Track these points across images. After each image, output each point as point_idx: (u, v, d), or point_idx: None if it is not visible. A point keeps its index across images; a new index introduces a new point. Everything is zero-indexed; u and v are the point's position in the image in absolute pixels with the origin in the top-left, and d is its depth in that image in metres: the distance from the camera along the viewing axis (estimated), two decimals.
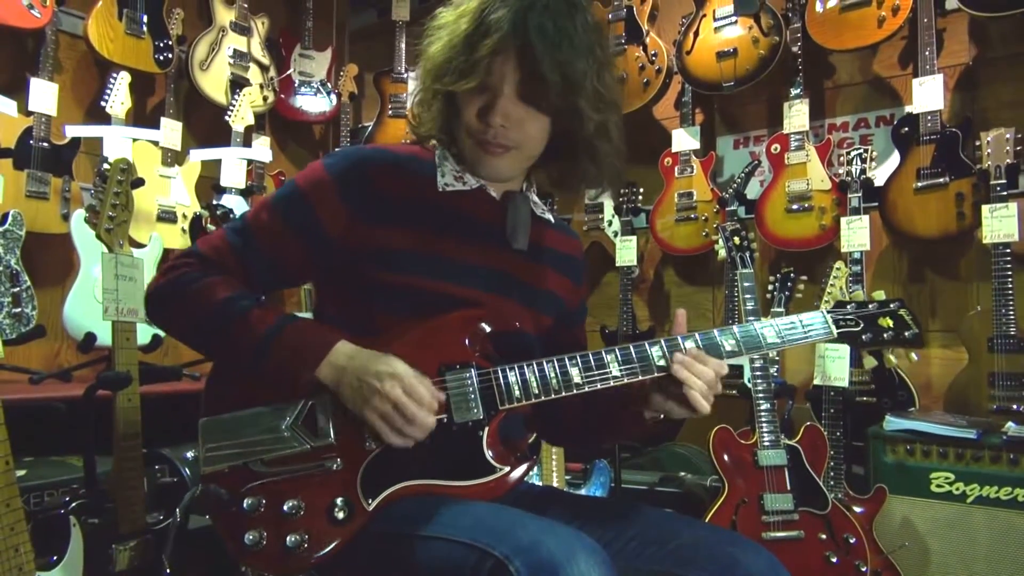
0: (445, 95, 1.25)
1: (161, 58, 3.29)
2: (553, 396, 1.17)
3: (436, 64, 1.23)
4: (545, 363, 1.18)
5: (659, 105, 3.54)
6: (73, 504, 1.54)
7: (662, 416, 1.26)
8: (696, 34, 3.28)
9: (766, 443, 2.23)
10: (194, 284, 1.17)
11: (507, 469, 1.14)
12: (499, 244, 1.29)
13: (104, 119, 3.10)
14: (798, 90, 3.08)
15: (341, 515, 1.09)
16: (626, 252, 3.42)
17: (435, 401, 1.10)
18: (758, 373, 2.29)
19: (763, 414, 2.25)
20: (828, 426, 2.39)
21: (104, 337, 1.82)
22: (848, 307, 1.29)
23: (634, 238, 3.43)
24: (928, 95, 2.78)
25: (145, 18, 3.24)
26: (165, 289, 1.20)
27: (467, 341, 1.19)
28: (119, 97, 3.04)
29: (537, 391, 1.16)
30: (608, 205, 3.55)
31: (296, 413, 1.13)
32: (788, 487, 2.19)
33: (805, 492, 2.22)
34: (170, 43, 3.32)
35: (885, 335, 1.26)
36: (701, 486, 2.49)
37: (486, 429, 1.15)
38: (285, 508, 1.08)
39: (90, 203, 1.60)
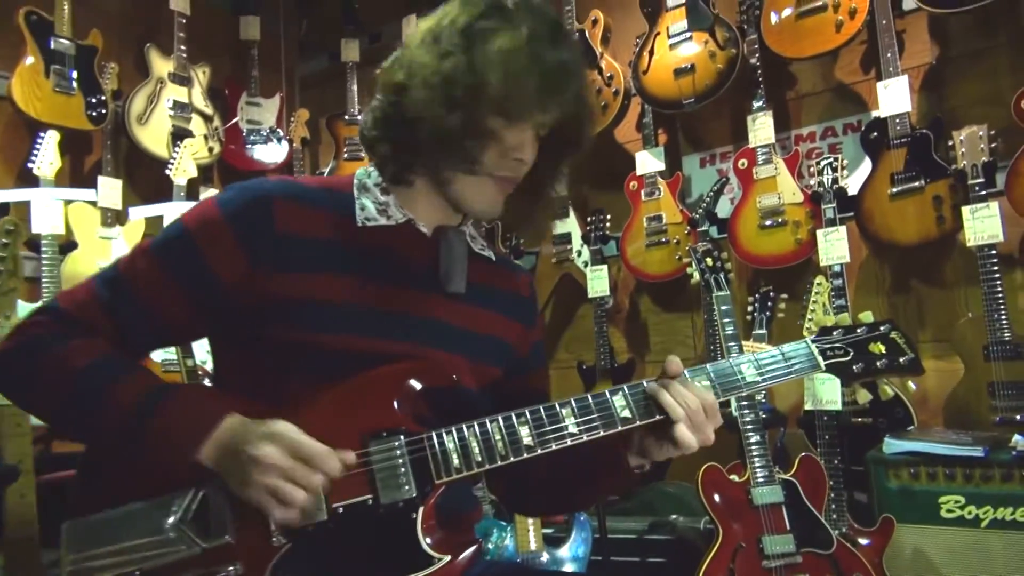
0: (463, 121, 1.00)
1: (94, 114, 3.12)
2: (500, 463, 0.99)
3: (487, 89, 0.99)
4: (489, 423, 1.00)
5: (620, 128, 3.42)
6: None
7: (646, 465, 1.10)
8: (651, 53, 3.17)
9: (760, 479, 2.05)
10: (47, 350, 0.97)
11: (447, 559, 0.95)
12: (431, 288, 1.12)
13: (36, 182, 2.91)
14: (760, 102, 2.97)
15: None
16: (598, 282, 3.26)
17: (331, 453, 0.91)
18: (745, 403, 2.12)
19: (754, 447, 2.07)
20: (824, 454, 2.22)
21: None
22: (834, 333, 1.13)
23: (605, 267, 3.27)
24: (894, 98, 2.67)
25: (75, 74, 3.08)
26: (11, 356, 0.99)
27: (395, 403, 1.00)
28: (47, 157, 2.87)
29: (480, 458, 0.99)
30: (576, 235, 3.40)
31: (184, 507, 0.93)
32: (788, 527, 2.01)
33: (806, 530, 2.03)
34: (103, 99, 3.16)
35: (878, 363, 1.09)
36: (694, 530, 2.29)
37: (420, 509, 0.96)
38: None
39: None
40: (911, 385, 1.16)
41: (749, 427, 2.10)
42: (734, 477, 2.11)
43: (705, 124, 3.35)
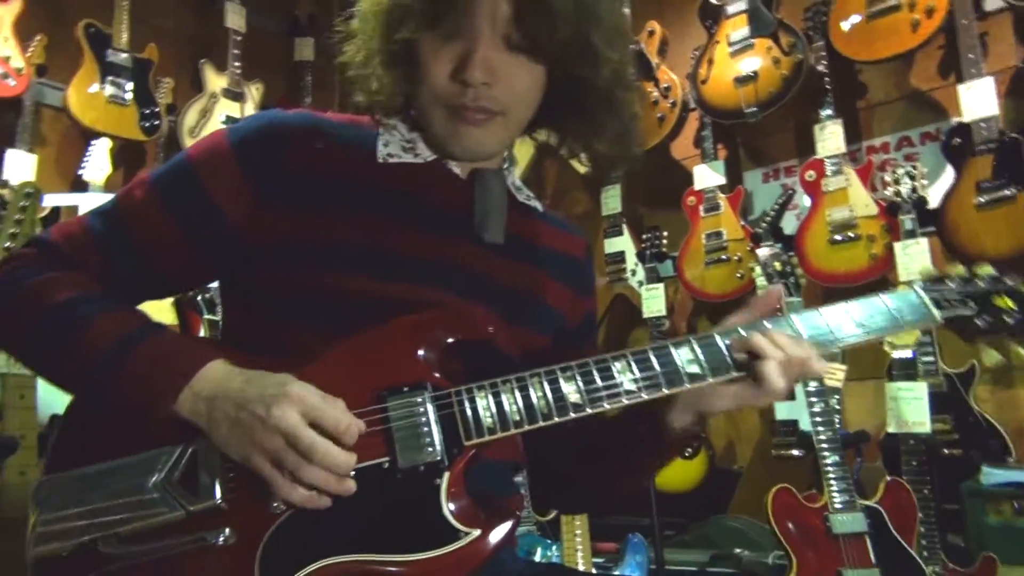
0: (400, 50, 0.91)
1: (147, 125, 3.14)
2: (542, 423, 0.82)
3: (384, 6, 0.91)
4: (529, 377, 0.84)
5: (676, 143, 3.28)
6: None
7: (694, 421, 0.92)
8: (711, 62, 3.04)
9: (838, 505, 1.81)
10: (27, 281, 0.86)
11: (477, 533, 0.78)
12: (463, 234, 0.97)
13: (87, 189, 2.92)
14: (829, 110, 2.79)
15: None
16: (653, 302, 3.08)
17: (353, 426, 0.76)
18: (819, 419, 1.89)
19: (831, 469, 1.84)
20: (912, 482, 1.97)
21: None
22: (948, 283, 0.93)
23: (661, 286, 3.09)
24: (979, 100, 2.47)
25: (130, 86, 3.11)
26: None
27: (420, 353, 0.85)
28: (97, 164, 2.88)
29: (518, 417, 0.82)
30: (630, 253, 3.24)
31: (170, 464, 0.79)
32: (872, 559, 1.76)
33: (895, 565, 1.78)
34: (157, 110, 3.18)
35: (1010, 319, 0.89)
36: (762, 564, 2.06)
37: (446, 475, 0.80)
38: None
39: None
40: None
41: (825, 446, 1.87)
42: (810, 504, 1.87)
43: (768, 137, 3.18)
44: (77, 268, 0.88)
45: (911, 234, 2.46)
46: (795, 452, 2.32)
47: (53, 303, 0.83)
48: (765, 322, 0.87)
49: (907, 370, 2.22)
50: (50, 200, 2.84)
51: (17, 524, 1.28)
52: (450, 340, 0.87)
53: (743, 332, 0.86)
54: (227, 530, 0.77)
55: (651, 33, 3.23)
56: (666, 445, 0.93)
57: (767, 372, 0.82)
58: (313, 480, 0.75)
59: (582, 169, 3.43)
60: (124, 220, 0.91)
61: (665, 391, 0.84)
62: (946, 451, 2.30)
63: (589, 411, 0.83)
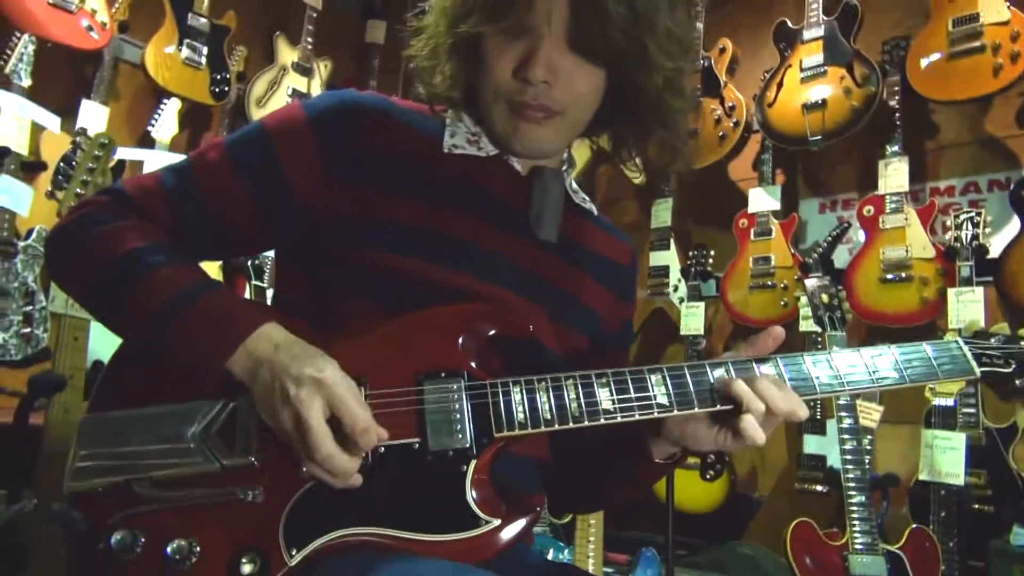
0: (466, 44, 0.94)
1: (217, 90, 3.21)
2: (572, 425, 0.83)
3: (453, 1, 0.93)
4: (564, 379, 0.85)
5: (735, 164, 3.24)
6: None
7: (678, 454, 0.95)
8: (780, 85, 2.99)
9: (860, 546, 1.78)
10: (98, 227, 0.89)
11: (497, 522, 0.79)
12: (518, 231, 0.99)
13: (153, 146, 3.01)
14: (896, 147, 2.73)
15: (249, 569, 0.76)
16: (693, 319, 3.06)
17: (371, 432, 0.77)
18: (850, 457, 1.86)
19: (855, 509, 1.81)
20: (939, 533, 1.92)
21: None
22: (992, 340, 0.92)
23: (702, 304, 3.07)
24: None
25: (206, 50, 3.19)
26: (66, 232, 0.92)
27: (460, 341, 0.87)
28: (166, 123, 2.96)
29: (549, 416, 0.83)
30: (675, 268, 3.22)
31: (210, 418, 0.82)
32: None
33: None
34: (228, 77, 3.26)
35: None
36: None
37: (472, 463, 0.81)
38: (168, 551, 0.76)
39: (58, 177, 1.39)
40: None
41: (853, 485, 1.84)
42: (830, 542, 1.84)
43: (829, 168, 3.13)
44: (147, 219, 0.92)
45: (967, 281, 2.40)
46: (819, 488, 2.29)
47: (121, 250, 0.86)
48: (804, 356, 0.87)
49: (947, 419, 2.17)
50: (119, 153, 2.94)
51: (59, 458, 1.33)
52: (491, 333, 0.89)
53: (732, 372, 0.86)
54: (259, 488, 0.79)
55: (722, 50, 3.20)
56: (644, 469, 0.97)
57: (744, 426, 0.82)
58: (314, 473, 0.78)
59: (636, 179, 3.44)
60: (196, 178, 0.95)
61: (696, 409, 0.84)
62: (977, 506, 2.24)
63: (619, 419, 0.83)
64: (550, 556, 1.87)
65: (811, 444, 2.63)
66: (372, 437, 0.77)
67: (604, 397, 0.84)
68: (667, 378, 0.85)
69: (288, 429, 0.77)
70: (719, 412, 0.86)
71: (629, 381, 0.85)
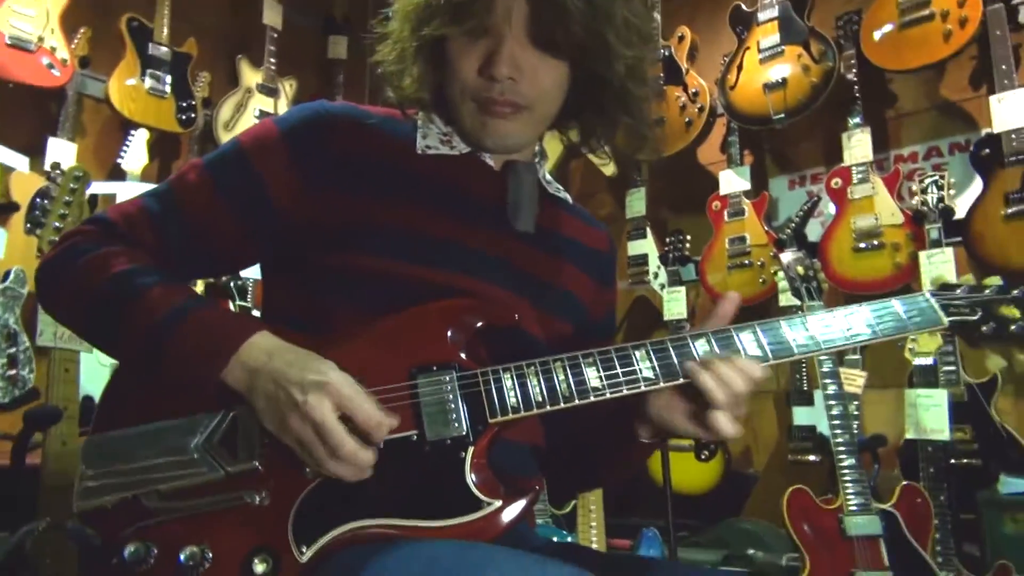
0: (431, 46, 0.97)
1: (184, 118, 3.22)
2: (563, 405, 0.86)
3: (415, 5, 0.96)
4: (552, 361, 0.88)
5: (703, 148, 3.29)
6: None
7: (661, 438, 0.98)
8: (740, 68, 3.05)
9: (854, 507, 1.82)
10: (86, 255, 0.91)
11: (498, 503, 0.82)
12: (495, 224, 1.01)
13: (124, 178, 3.01)
14: (857, 118, 2.79)
15: (262, 568, 0.78)
16: (675, 304, 3.10)
17: (384, 424, 0.80)
18: (837, 423, 1.91)
19: (847, 472, 1.85)
20: (929, 489, 1.97)
21: None
22: (958, 291, 0.96)
23: (683, 289, 3.11)
24: (1010, 112, 2.46)
25: (169, 79, 3.19)
26: (55, 263, 0.94)
27: (449, 334, 0.90)
28: (135, 154, 2.96)
29: (541, 398, 0.86)
30: (652, 256, 3.26)
31: (211, 428, 0.84)
32: (886, 563, 1.77)
33: (908, 569, 1.79)
34: (193, 103, 3.27)
35: (1012, 327, 0.92)
36: (775, 566, 2.07)
37: (470, 449, 0.84)
38: (181, 558, 0.78)
39: (35, 213, 1.40)
40: None
41: (842, 449, 1.88)
42: (825, 507, 1.88)
43: (795, 145, 3.19)
44: (133, 245, 0.94)
45: (936, 244, 2.46)
46: (812, 457, 2.33)
47: (110, 274, 0.88)
48: (780, 321, 0.90)
49: (928, 377, 2.22)
50: (91, 188, 2.93)
51: (60, 491, 1.34)
52: (479, 324, 0.91)
53: (713, 343, 0.89)
54: (264, 491, 0.81)
55: (681, 38, 3.25)
56: (629, 452, 1.00)
57: (718, 423, 0.85)
58: (334, 472, 0.80)
59: (607, 171, 3.48)
60: (178, 200, 0.97)
61: (682, 380, 0.87)
62: (964, 460, 2.30)
63: (608, 395, 0.86)
64: None
65: (800, 416, 2.68)
66: (385, 429, 0.80)
67: (592, 376, 0.87)
68: (651, 352, 0.88)
69: (300, 435, 0.79)
70: (697, 397, 0.88)
71: (615, 359, 0.88)
